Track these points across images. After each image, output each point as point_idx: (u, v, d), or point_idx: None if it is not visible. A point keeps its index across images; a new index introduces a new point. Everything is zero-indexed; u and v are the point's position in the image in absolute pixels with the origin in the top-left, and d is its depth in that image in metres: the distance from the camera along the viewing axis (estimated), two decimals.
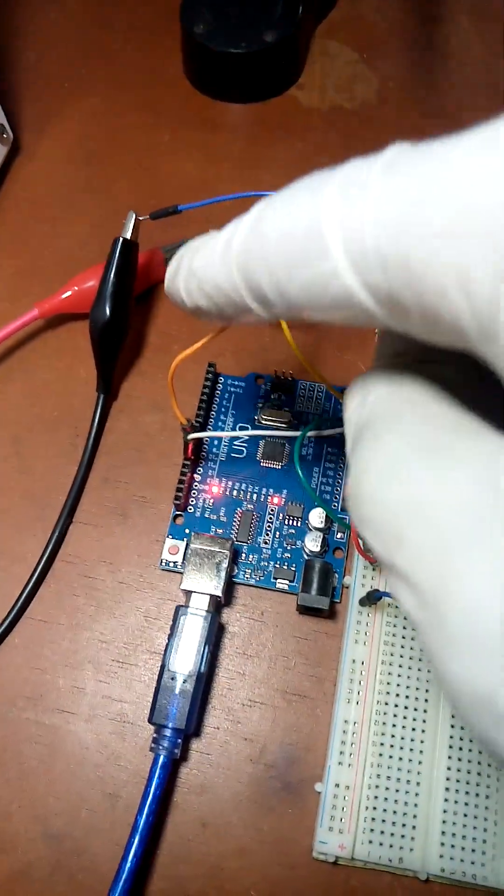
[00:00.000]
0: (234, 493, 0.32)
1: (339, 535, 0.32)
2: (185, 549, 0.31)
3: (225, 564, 0.30)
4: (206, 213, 0.39)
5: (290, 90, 0.43)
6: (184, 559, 0.31)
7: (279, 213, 0.16)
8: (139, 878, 0.27)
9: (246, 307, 0.18)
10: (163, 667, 0.28)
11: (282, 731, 0.29)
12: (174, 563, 0.31)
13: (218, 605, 0.30)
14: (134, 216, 0.33)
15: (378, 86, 0.43)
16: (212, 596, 0.29)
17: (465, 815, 0.27)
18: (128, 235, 0.33)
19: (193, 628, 0.29)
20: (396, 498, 0.14)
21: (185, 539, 0.32)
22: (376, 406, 0.17)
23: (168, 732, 0.27)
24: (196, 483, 0.33)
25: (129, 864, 0.26)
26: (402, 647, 0.29)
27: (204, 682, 0.29)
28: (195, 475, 0.33)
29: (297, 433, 0.31)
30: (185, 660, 0.28)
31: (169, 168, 0.40)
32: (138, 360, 0.36)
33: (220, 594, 0.29)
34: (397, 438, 0.15)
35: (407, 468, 0.14)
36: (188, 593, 0.29)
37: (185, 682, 0.28)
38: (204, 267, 0.20)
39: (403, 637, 0.29)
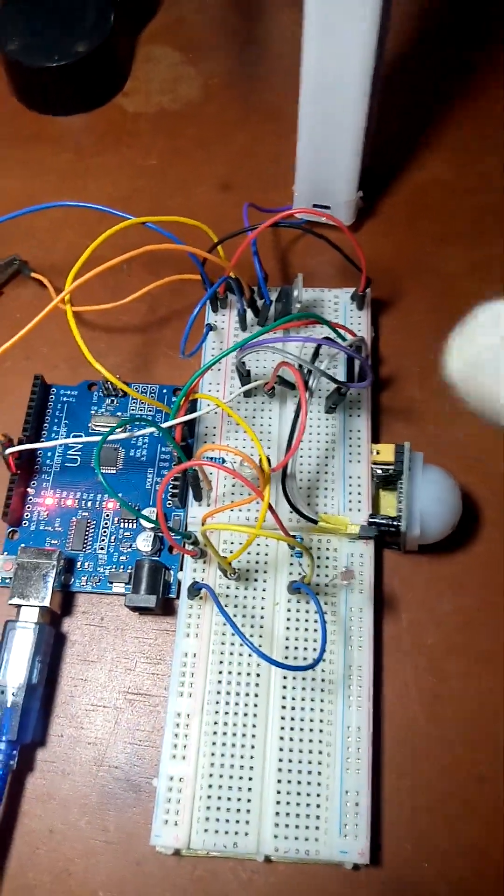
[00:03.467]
0: (70, 502, 0.33)
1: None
2: None
3: (52, 575, 0.30)
4: (29, 228, 0.39)
5: (117, 98, 0.43)
6: None
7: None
8: None
9: None
10: None
11: (125, 732, 0.30)
12: (8, 578, 0.31)
13: (52, 616, 0.31)
14: None
15: (202, 84, 0.43)
16: (41, 607, 0.30)
17: (299, 794, 0.27)
18: None
19: (23, 641, 0.29)
20: None
21: None
22: None
23: (2, 745, 0.28)
24: (30, 496, 0.33)
25: None
26: (233, 634, 0.29)
27: (40, 692, 0.29)
28: (29, 489, 0.33)
29: (95, 440, 0.31)
30: (15, 673, 0.28)
31: None
32: None
33: (48, 605, 0.30)
34: None
35: None
36: (17, 607, 0.30)
37: (14, 694, 0.28)
38: None
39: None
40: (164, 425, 0.29)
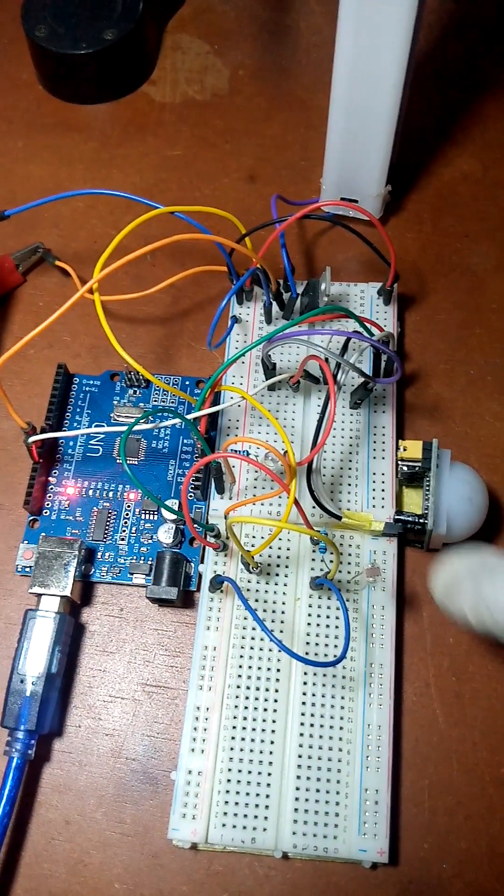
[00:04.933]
0: (91, 492, 0.33)
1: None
2: None
3: (73, 565, 0.30)
4: (54, 217, 0.39)
5: (143, 87, 0.43)
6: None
7: None
8: (3, 879, 0.27)
9: None
10: (12, 670, 0.28)
11: (143, 724, 0.30)
12: (29, 567, 0.31)
13: (72, 606, 0.31)
14: None
15: (229, 75, 0.43)
16: (61, 597, 0.29)
17: (318, 791, 0.27)
18: None
19: (43, 630, 0.29)
20: None
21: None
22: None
23: (20, 734, 0.28)
24: (52, 486, 0.33)
25: None
26: (254, 629, 0.29)
27: (59, 682, 0.29)
28: (50, 478, 0.33)
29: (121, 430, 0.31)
30: (35, 662, 0.28)
31: (22, 173, 0.40)
32: None
33: (69, 594, 0.29)
34: None
35: None
36: (38, 596, 0.30)
37: (34, 683, 0.28)
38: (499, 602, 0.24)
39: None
40: (190, 416, 0.29)
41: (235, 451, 0.31)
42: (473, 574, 0.25)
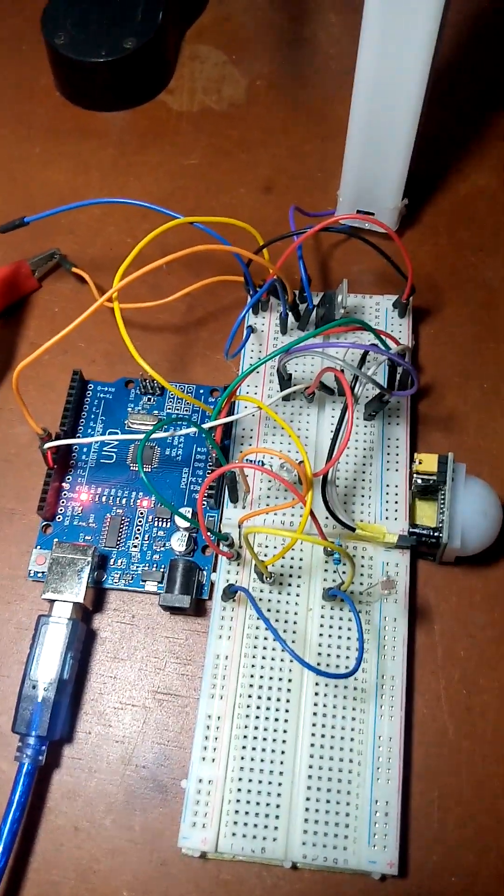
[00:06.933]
0: (104, 498, 0.33)
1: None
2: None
3: (87, 571, 0.30)
4: (70, 223, 0.39)
5: (161, 95, 0.43)
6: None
7: None
8: (11, 886, 0.27)
9: None
10: (24, 676, 0.28)
11: (153, 731, 0.30)
12: (42, 572, 0.31)
13: (84, 612, 0.31)
14: None
15: (247, 85, 0.43)
16: (74, 603, 0.30)
17: (328, 802, 0.27)
18: None
19: (55, 636, 0.29)
20: None
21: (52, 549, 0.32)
22: None
23: (31, 740, 0.28)
24: (65, 491, 0.33)
25: None
26: (266, 638, 0.29)
27: (70, 688, 0.29)
28: (64, 483, 0.33)
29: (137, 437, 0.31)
30: (47, 668, 0.28)
31: (40, 179, 0.41)
32: (9, 373, 0.36)
33: (81, 600, 0.29)
34: None
35: None
36: (51, 602, 0.30)
37: (46, 689, 0.28)
38: None
39: (266, 629, 0.29)
40: (206, 426, 0.29)
41: (251, 460, 0.31)
42: None
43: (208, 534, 0.27)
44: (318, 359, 0.34)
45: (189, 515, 0.31)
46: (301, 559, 0.31)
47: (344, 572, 0.30)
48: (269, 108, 0.43)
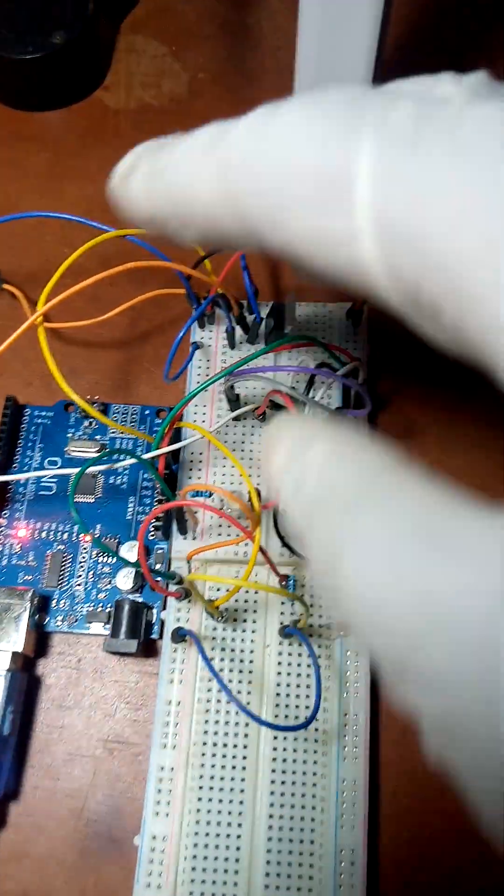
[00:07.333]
0: (44, 534, 0.31)
1: (158, 566, 0.30)
2: None
3: (24, 617, 0.28)
4: (3, 235, 0.37)
5: (97, 92, 0.40)
6: None
7: (301, 138, 0.14)
8: None
9: (226, 228, 0.16)
10: None
11: (104, 783, 0.28)
12: None
13: (25, 660, 0.29)
14: None
15: (188, 79, 0.41)
16: (13, 653, 0.28)
17: (290, 853, 0.26)
18: None
19: None
20: (408, 601, 0.12)
21: None
22: (333, 475, 0.14)
23: None
24: (2, 528, 0.31)
25: None
26: None
27: (13, 741, 0.27)
28: (0, 519, 0.31)
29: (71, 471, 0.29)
30: None
31: None
32: None
33: (20, 650, 0.27)
34: (382, 519, 0.13)
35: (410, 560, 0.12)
36: None
37: None
38: (175, 166, 0.17)
39: (221, 670, 0.28)
40: (146, 456, 0.27)
41: (197, 493, 0.29)
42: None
43: (152, 576, 0.25)
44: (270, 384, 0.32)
45: (134, 552, 0.29)
46: (256, 593, 0.29)
47: (303, 614, 0.28)
48: (213, 103, 0.40)
